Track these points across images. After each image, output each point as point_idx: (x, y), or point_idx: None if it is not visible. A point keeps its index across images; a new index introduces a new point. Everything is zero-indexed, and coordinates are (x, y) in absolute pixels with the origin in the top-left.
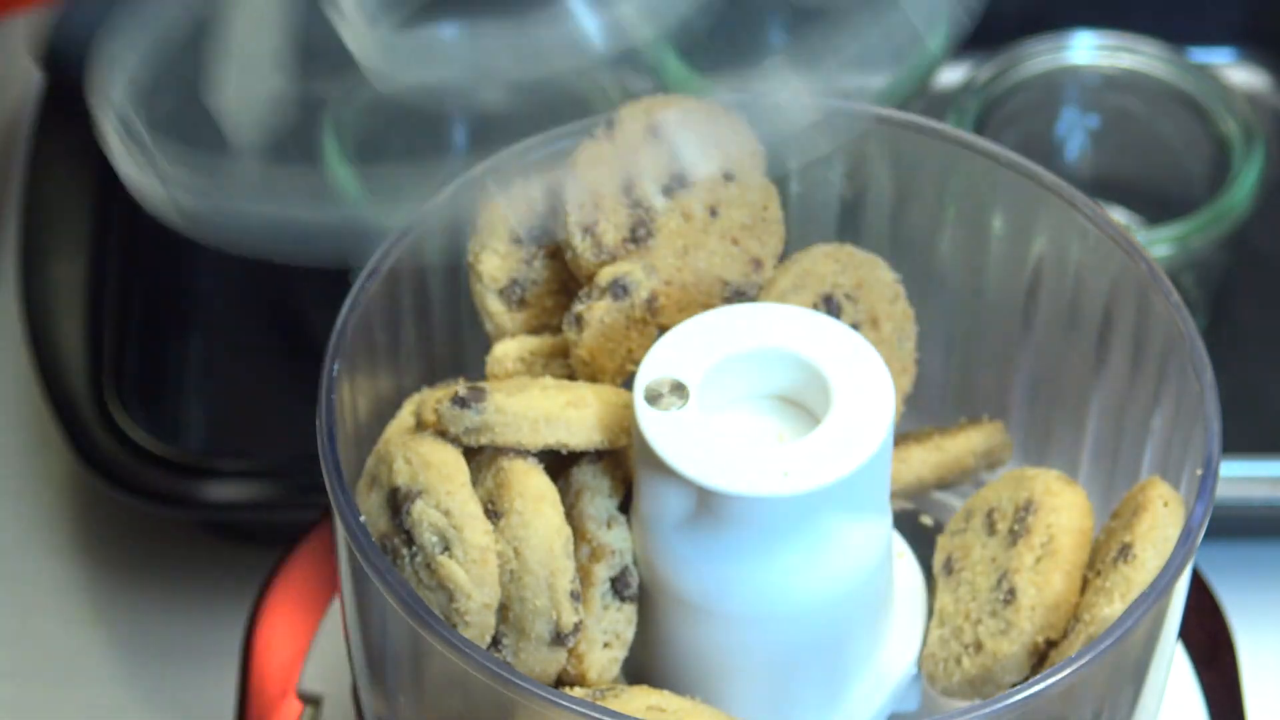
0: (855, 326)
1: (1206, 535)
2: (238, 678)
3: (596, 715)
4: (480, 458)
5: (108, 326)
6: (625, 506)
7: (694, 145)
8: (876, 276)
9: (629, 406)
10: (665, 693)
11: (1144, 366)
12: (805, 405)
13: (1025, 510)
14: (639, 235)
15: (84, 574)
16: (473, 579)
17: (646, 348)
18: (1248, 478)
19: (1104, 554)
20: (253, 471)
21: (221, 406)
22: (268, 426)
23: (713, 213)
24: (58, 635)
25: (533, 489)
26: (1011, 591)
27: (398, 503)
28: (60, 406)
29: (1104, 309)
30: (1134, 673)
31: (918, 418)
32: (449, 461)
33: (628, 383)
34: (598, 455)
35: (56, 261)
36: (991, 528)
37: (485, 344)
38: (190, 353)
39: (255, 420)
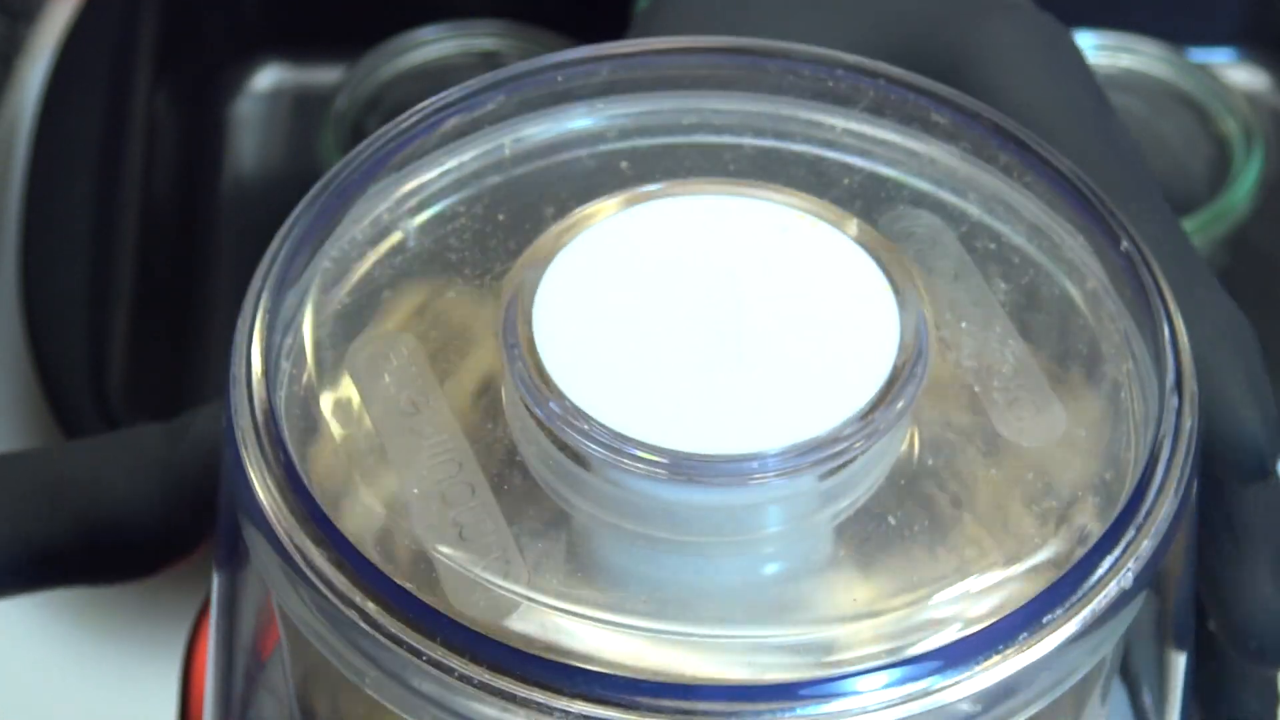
0: None
1: None
2: (177, 704)
3: None
4: None
5: (108, 327)
6: None
7: None
8: None
9: None
10: None
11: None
12: None
13: None
14: None
15: None
16: None
17: None
18: None
19: None
20: None
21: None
22: None
23: None
24: (57, 636)
25: None
26: None
27: None
28: (60, 406)
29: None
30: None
31: None
32: None
33: None
34: None
35: (57, 262)
36: None
37: None
38: (191, 353)
39: None
